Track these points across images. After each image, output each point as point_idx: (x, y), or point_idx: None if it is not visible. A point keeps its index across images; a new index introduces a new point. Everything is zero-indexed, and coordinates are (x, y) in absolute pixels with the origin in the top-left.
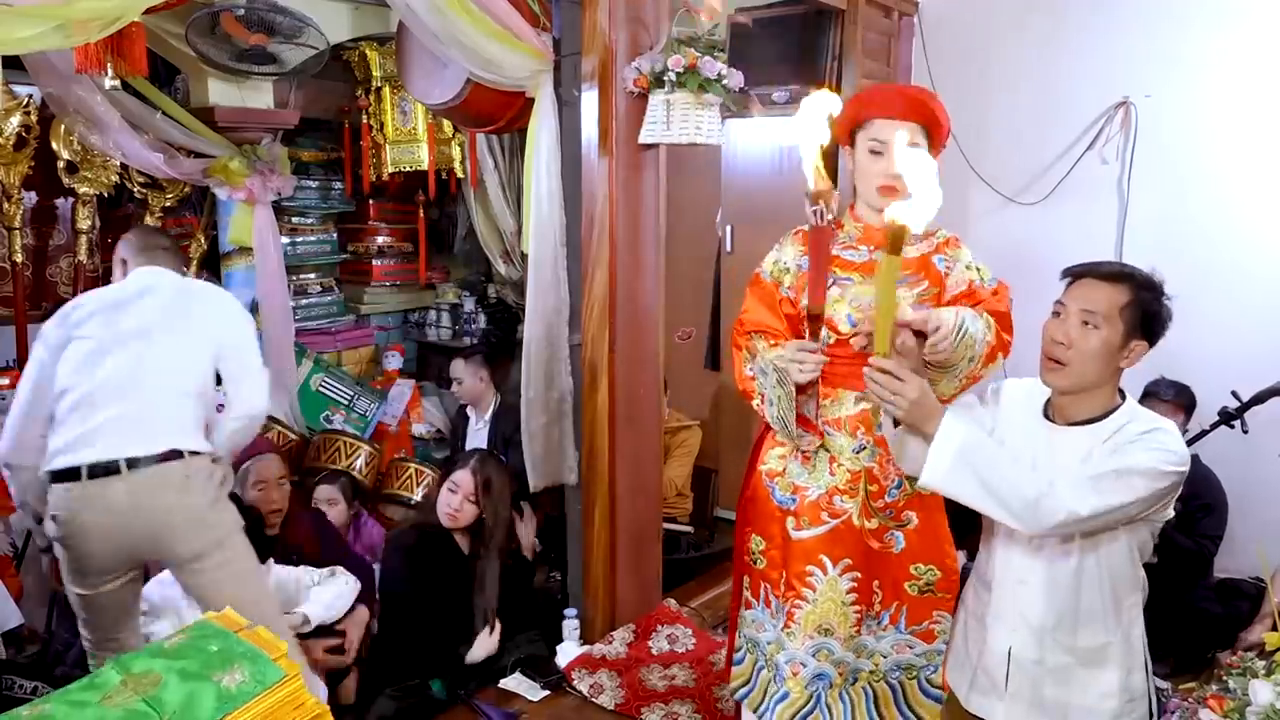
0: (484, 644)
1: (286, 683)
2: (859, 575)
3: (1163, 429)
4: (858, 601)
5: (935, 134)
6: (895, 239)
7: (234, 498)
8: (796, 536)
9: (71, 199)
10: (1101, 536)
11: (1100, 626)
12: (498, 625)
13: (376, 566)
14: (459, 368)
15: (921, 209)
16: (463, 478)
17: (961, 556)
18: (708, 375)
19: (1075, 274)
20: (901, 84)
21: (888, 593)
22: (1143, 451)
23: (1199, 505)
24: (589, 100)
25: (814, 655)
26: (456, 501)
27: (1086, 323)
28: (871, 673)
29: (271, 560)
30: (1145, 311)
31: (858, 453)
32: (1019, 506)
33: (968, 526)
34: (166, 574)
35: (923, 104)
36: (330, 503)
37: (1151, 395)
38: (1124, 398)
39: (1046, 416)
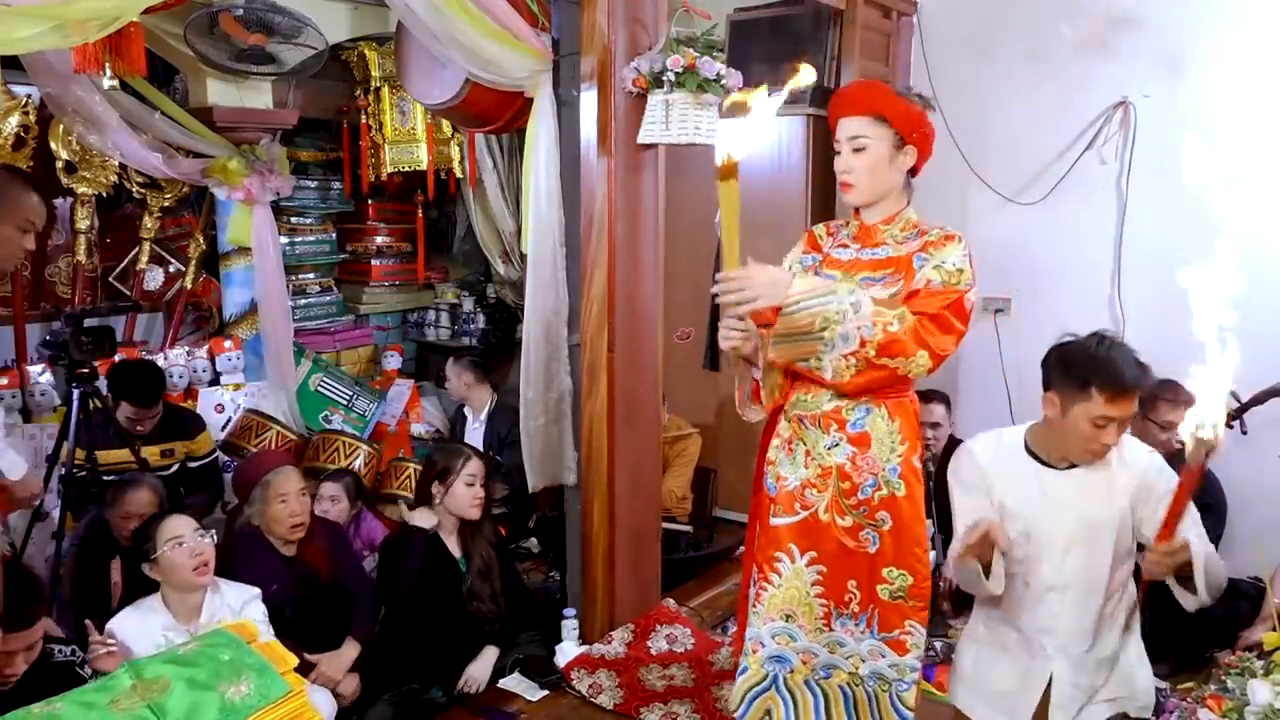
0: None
1: (290, 698)
2: (825, 570)
3: (1160, 459)
4: (825, 595)
5: (892, 123)
6: (725, 170)
7: (242, 521)
8: (772, 523)
9: (70, 199)
10: (1128, 560)
11: (1114, 631)
12: (490, 652)
13: (371, 561)
14: (448, 368)
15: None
16: (478, 467)
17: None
18: (707, 375)
19: (1115, 391)
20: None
21: (864, 594)
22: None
23: (1198, 504)
24: (588, 100)
25: (773, 638)
26: (480, 490)
27: (1124, 426)
28: (851, 674)
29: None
30: None
31: (830, 449)
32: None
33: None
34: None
35: (860, 97)
36: (333, 499)
37: (1152, 397)
38: None
39: (1034, 456)
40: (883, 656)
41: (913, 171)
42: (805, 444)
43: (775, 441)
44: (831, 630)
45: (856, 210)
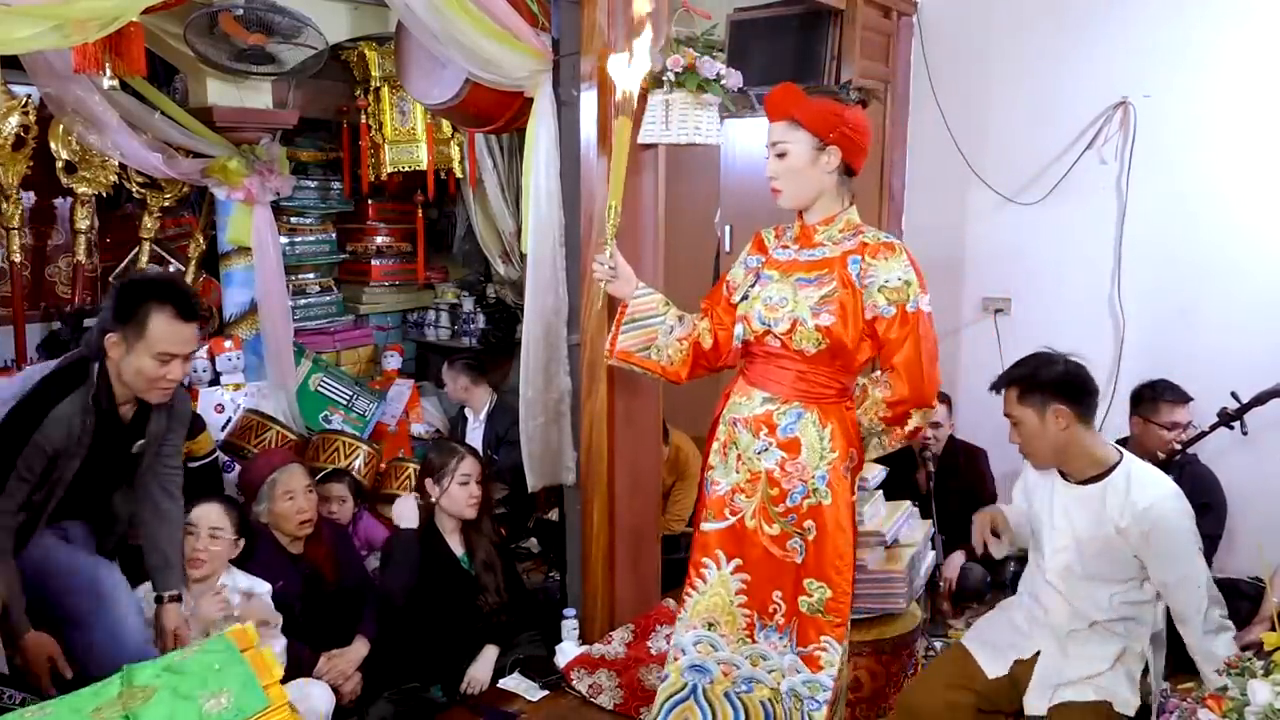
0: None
1: (270, 712)
2: (749, 578)
3: (1165, 493)
4: (748, 604)
5: (806, 126)
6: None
7: (250, 519)
8: (703, 528)
9: (70, 199)
10: (1123, 585)
11: (1109, 644)
12: (490, 652)
13: (372, 560)
14: (444, 373)
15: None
16: (472, 466)
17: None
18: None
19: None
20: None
21: (789, 605)
22: (1179, 533)
23: (1198, 504)
24: (588, 100)
25: (695, 645)
26: (475, 489)
27: (1014, 424)
28: (774, 690)
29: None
30: (1035, 392)
31: (759, 454)
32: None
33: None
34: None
35: (777, 102)
36: (339, 500)
37: (1152, 399)
38: (1121, 455)
39: (1063, 475)
40: (798, 672)
41: (851, 172)
42: (738, 448)
43: (715, 445)
44: (755, 642)
45: (800, 213)
